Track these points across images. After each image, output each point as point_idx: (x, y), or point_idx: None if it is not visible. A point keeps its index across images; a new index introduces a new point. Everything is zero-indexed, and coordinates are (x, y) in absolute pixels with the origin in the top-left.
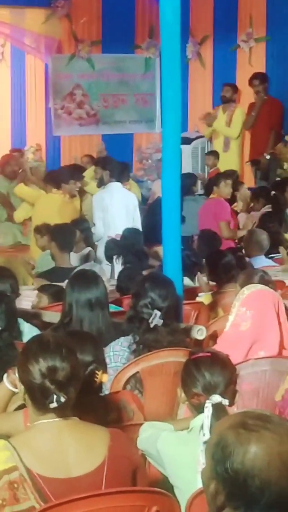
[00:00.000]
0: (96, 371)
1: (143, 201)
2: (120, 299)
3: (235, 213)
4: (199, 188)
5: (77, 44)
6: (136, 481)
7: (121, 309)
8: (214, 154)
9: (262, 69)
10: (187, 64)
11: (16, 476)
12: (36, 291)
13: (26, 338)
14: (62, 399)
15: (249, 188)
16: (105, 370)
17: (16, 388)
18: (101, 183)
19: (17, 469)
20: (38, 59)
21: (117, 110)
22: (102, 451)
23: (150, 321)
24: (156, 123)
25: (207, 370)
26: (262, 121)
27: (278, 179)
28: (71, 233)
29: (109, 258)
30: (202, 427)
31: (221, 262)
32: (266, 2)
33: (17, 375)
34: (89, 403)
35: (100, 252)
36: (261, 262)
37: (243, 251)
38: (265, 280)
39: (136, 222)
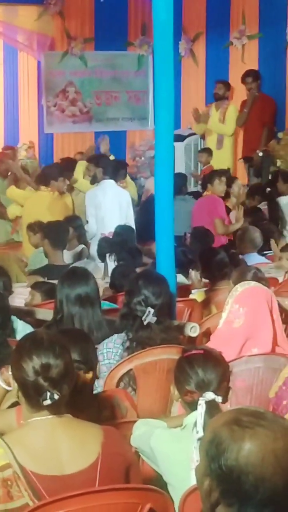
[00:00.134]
0: (78, 370)
1: (139, 199)
2: (115, 296)
3: (229, 211)
4: (192, 186)
5: (70, 41)
6: (129, 478)
7: (115, 306)
8: (207, 151)
9: (255, 66)
10: (180, 61)
11: (10, 474)
12: (29, 289)
13: (19, 335)
14: (56, 396)
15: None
16: (90, 369)
17: (10, 386)
18: (94, 180)
19: (11, 467)
20: (31, 56)
21: (110, 108)
22: (95, 448)
23: (143, 318)
24: (149, 120)
25: (200, 367)
26: (255, 118)
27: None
28: (64, 230)
29: (102, 257)
30: (195, 424)
31: (214, 259)
32: None
33: (10, 372)
34: (82, 400)
35: (94, 249)
36: (254, 259)
37: (236, 246)
38: (258, 277)
39: (129, 219)
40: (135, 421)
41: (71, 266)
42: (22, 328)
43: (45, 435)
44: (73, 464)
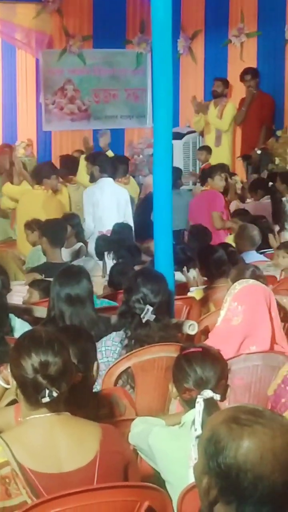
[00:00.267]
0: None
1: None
2: (115, 294)
3: (228, 206)
4: (191, 185)
5: (68, 39)
6: (128, 476)
7: (115, 304)
8: (206, 149)
9: (253, 64)
10: (179, 59)
11: (8, 471)
12: (27, 287)
13: (17, 333)
14: (54, 394)
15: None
16: (86, 368)
17: (8, 383)
18: (92, 179)
19: (9, 464)
20: (29, 54)
21: (109, 105)
22: (94, 446)
23: (142, 316)
24: (148, 118)
25: (199, 365)
26: (253, 116)
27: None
28: (62, 228)
29: (100, 255)
30: (193, 422)
31: (212, 257)
32: None
33: (9, 370)
34: (81, 398)
35: (92, 247)
36: (252, 257)
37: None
38: (256, 275)
39: (127, 217)
40: (133, 419)
41: (70, 263)
42: (20, 326)
43: (43, 433)
44: (72, 462)
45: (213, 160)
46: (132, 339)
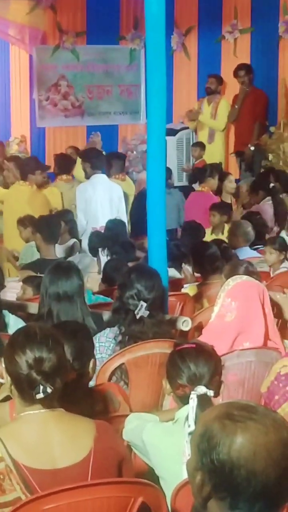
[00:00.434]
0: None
1: None
2: (111, 290)
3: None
4: (184, 181)
5: (62, 35)
6: (122, 472)
7: (110, 300)
8: (200, 145)
9: (247, 60)
10: (172, 56)
11: (2, 467)
12: (21, 283)
13: (11, 330)
14: (49, 390)
15: (237, 180)
16: (82, 365)
17: (2, 379)
18: (85, 175)
19: (3, 460)
20: (23, 50)
21: (102, 102)
22: (88, 442)
23: (136, 312)
24: (141, 115)
25: (192, 361)
26: (247, 112)
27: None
28: (56, 224)
29: (93, 251)
30: (187, 418)
31: (206, 254)
32: None
33: (3, 366)
34: (75, 394)
35: (85, 244)
36: (246, 253)
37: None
38: (250, 271)
39: (121, 213)
40: (127, 415)
41: (61, 260)
42: (14, 323)
43: (37, 429)
44: (66, 458)
45: (206, 157)
46: (126, 335)
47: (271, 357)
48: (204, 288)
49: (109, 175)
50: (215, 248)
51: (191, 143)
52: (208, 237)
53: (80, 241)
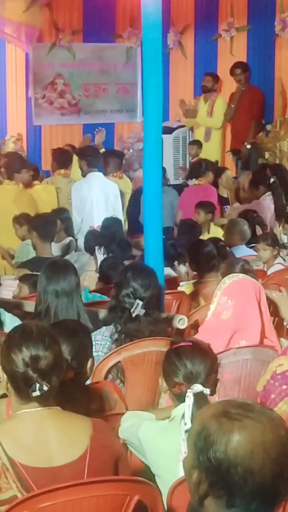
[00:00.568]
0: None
1: None
2: (108, 288)
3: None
4: (181, 179)
5: (58, 33)
6: (118, 470)
7: (107, 298)
8: (197, 143)
9: (243, 59)
10: (168, 54)
11: None
12: (17, 281)
13: (7, 328)
14: (45, 388)
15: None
16: (79, 364)
17: None
18: (82, 173)
19: None
20: (19, 48)
21: (99, 100)
22: (84, 440)
23: (132, 310)
24: (138, 113)
25: (188, 359)
26: (243, 110)
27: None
28: (52, 223)
29: (89, 250)
30: (183, 416)
31: (202, 252)
32: None
33: None
34: (71, 392)
35: (81, 242)
36: (242, 251)
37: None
38: (246, 269)
39: (117, 211)
40: (123, 413)
41: (58, 257)
42: (10, 321)
43: (34, 427)
44: (62, 456)
45: (203, 155)
46: (122, 333)
47: (267, 355)
48: (201, 286)
49: (106, 173)
50: (212, 246)
51: (188, 141)
52: None
53: (76, 239)
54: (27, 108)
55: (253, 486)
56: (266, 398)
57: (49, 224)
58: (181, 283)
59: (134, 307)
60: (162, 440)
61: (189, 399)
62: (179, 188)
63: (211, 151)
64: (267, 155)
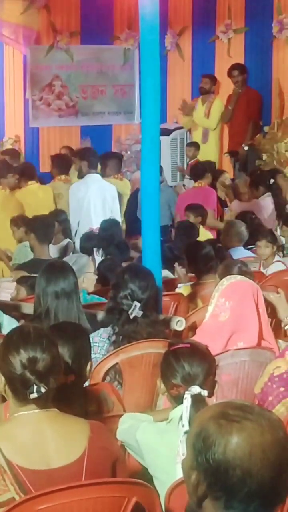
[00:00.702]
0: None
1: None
2: (106, 290)
3: (220, 203)
4: (178, 180)
5: (56, 35)
6: (116, 472)
7: (105, 300)
8: (195, 145)
9: (241, 60)
10: (166, 55)
11: None
12: (15, 283)
13: (5, 330)
14: (43, 390)
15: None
16: (78, 368)
17: None
18: (80, 174)
19: None
20: (17, 50)
21: (96, 101)
22: (82, 442)
23: (129, 312)
24: (135, 114)
25: (186, 361)
26: (241, 112)
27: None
28: (50, 224)
29: (86, 251)
30: (181, 418)
31: (200, 253)
32: None
33: None
34: (69, 394)
35: (78, 244)
36: (240, 253)
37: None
38: (243, 271)
39: (115, 213)
40: (121, 415)
41: (64, 259)
42: (7, 323)
43: (31, 429)
44: (60, 458)
45: (201, 157)
46: (119, 335)
47: (265, 357)
48: (198, 288)
49: (106, 175)
50: (209, 248)
51: (185, 143)
52: None
53: (74, 241)
54: (24, 110)
55: (252, 487)
56: (263, 400)
57: (47, 226)
58: (179, 285)
59: (132, 308)
60: (160, 442)
61: (187, 401)
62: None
63: (208, 153)
64: (264, 156)
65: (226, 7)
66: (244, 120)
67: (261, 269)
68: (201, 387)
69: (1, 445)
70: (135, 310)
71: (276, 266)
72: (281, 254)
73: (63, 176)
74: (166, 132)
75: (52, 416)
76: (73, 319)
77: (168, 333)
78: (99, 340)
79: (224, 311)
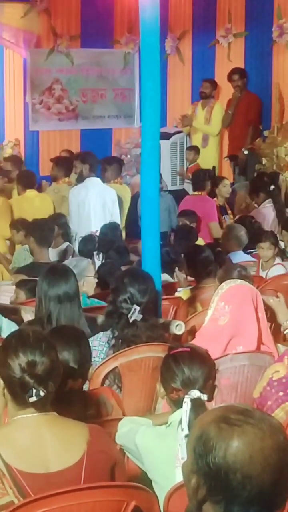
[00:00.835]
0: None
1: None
2: (105, 293)
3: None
4: (178, 185)
5: (56, 39)
6: (114, 476)
7: (105, 304)
8: (195, 149)
9: (241, 65)
10: (166, 60)
11: None
12: (14, 287)
13: (4, 333)
14: (42, 393)
15: (231, 184)
16: (81, 373)
17: None
18: (80, 178)
19: None
20: (17, 54)
21: (96, 105)
22: (81, 446)
23: (129, 316)
24: (135, 118)
25: (186, 365)
26: (241, 116)
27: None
28: (49, 228)
29: (83, 254)
30: (180, 422)
31: (199, 257)
32: None
33: None
34: (68, 398)
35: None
36: (239, 257)
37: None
38: (243, 275)
39: (115, 217)
40: (120, 419)
41: (64, 263)
42: (7, 326)
43: (30, 432)
44: (59, 462)
45: (200, 161)
46: (119, 339)
47: (264, 361)
48: (198, 292)
49: (107, 179)
50: (209, 252)
51: (185, 147)
52: None
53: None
54: (24, 113)
55: (252, 492)
56: (262, 405)
57: (46, 229)
58: (178, 289)
59: (131, 312)
60: (159, 445)
61: (187, 405)
62: (177, 194)
63: (208, 157)
64: (264, 161)
65: (226, 11)
66: (244, 125)
67: (261, 272)
68: (201, 391)
69: (0, 449)
70: (135, 314)
71: (277, 268)
72: (280, 259)
73: (67, 179)
74: (166, 136)
75: (51, 420)
76: (75, 323)
77: (168, 337)
78: (99, 344)
79: (224, 315)
